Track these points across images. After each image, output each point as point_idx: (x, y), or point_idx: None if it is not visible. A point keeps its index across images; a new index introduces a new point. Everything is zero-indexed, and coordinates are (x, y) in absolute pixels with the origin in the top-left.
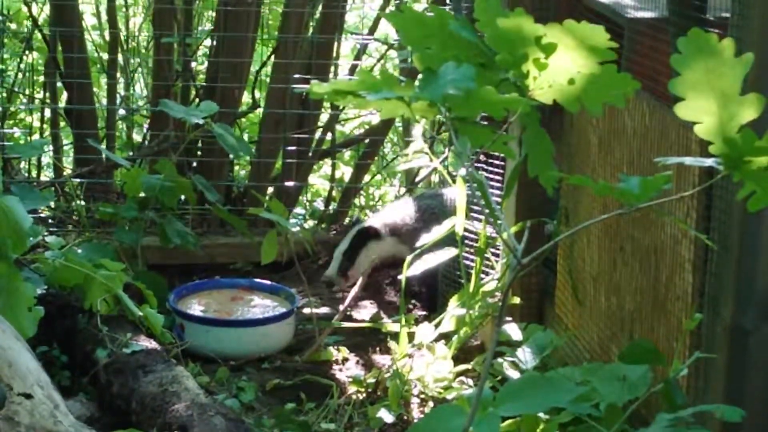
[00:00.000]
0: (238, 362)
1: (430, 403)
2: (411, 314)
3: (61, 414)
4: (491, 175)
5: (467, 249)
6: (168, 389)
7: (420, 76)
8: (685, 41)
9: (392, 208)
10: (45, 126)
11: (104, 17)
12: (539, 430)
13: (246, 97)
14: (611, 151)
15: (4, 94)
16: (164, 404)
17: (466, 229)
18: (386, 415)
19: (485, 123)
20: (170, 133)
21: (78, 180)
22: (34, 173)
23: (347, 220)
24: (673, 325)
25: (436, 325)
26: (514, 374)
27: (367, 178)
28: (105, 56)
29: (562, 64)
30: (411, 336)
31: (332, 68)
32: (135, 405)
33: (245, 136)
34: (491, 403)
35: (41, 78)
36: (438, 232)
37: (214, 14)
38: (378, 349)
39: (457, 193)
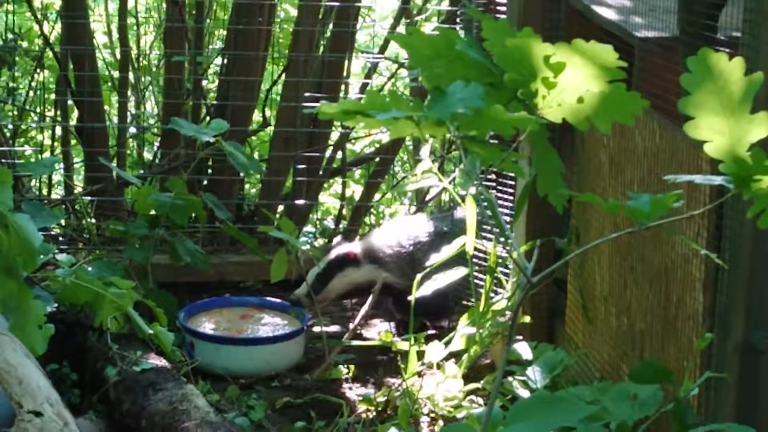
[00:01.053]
0: (248, 380)
1: (440, 422)
2: (421, 333)
3: None
4: (501, 194)
5: (477, 268)
6: (178, 407)
7: (429, 95)
8: (695, 61)
9: (378, 233)
10: (56, 144)
11: (115, 36)
12: None
13: (256, 116)
14: (622, 170)
15: (16, 112)
16: (174, 422)
17: (476, 248)
18: None
19: (495, 142)
20: (181, 151)
21: (89, 198)
22: (44, 191)
23: (357, 237)
24: (684, 344)
25: (446, 344)
26: (524, 393)
27: (377, 196)
28: (116, 74)
29: (572, 83)
30: (421, 354)
31: (343, 87)
32: (145, 423)
33: (256, 155)
34: (501, 422)
35: (52, 96)
36: (448, 251)
37: (224, 33)
38: (388, 367)
39: (467, 212)
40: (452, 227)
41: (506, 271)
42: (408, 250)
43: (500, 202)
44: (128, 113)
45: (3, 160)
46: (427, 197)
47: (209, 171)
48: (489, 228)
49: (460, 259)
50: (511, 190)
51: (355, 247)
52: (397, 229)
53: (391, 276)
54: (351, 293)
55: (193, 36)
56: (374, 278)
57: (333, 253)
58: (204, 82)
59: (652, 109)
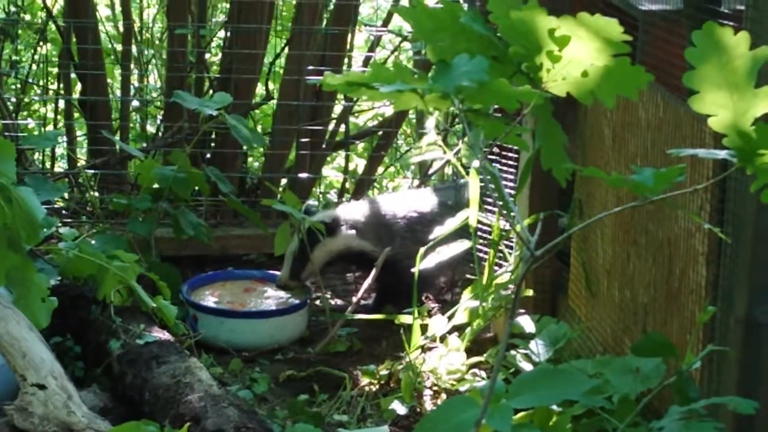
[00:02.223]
0: (251, 354)
1: (443, 395)
2: (424, 306)
3: (75, 405)
4: (505, 168)
5: (481, 241)
6: (181, 380)
7: (433, 68)
8: (699, 34)
9: (357, 203)
10: (59, 117)
11: (118, 8)
12: (552, 422)
13: (260, 89)
14: (625, 144)
15: (19, 85)
16: (177, 395)
17: (480, 222)
18: (399, 407)
19: (498, 115)
20: (184, 125)
21: (92, 171)
22: (48, 164)
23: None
24: (687, 317)
25: (449, 318)
26: (527, 366)
27: (380, 170)
28: (119, 47)
29: (576, 56)
30: (424, 328)
31: (346, 60)
32: (148, 396)
33: (259, 128)
34: (504, 395)
35: (55, 69)
36: (451, 225)
37: (227, 5)
38: (391, 341)
39: (471, 185)
40: (457, 200)
41: (510, 244)
42: (388, 221)
43: (503, 175)
44: (131, 86)
45: (6, 134)
46: (431, 170)
47: (212, 144)
48: (492, 201)
49: (463, 232)
50: (514, 164)
51: (328, 216)
52: (381, 200)
53: (369, 245)
54: (335, 263)
55: (196, 9)
56: (354, 246)
57: (305, 226)
58: (207, 55)
59: (656, 82)
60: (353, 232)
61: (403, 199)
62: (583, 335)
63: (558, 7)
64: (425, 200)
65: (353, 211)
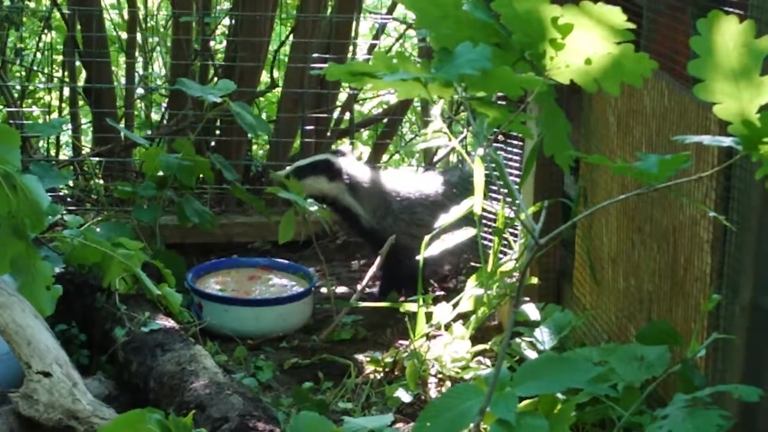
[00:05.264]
0: (255, 341)
1: (448, 383)
2: (429, 294)
3: (80, 392)
4: (510, 155)
5: (485, 229)
6: (186, 368)
7: (436, 56)
8: (705, 23)
9: (365, 168)
10: (64, 105)
11: None
12: (557, 410)
13: (264, 77)
14: (630, 131)
15: (23, 73)
16: (182, 383)
17: (484, 209)
18: (403, 395)
19: (503, 103)
20: (188, 112)
21: (96, 159)
22: (52, 152)
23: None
24: (692, 305)
25: (454, 305)
26: (531, 354)
27: (385, 157)
28: (124, 35)
29: (579, 44)
30: (429, 316)
31: (351, 48)
32: (153, 383)
33: (263, 116)
34: (509, 383)
35: (60, 57)
36: (456, 212)
37: None
38: (396, 328)
39: (475, 173)
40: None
41: (515, 232)
42: (387, 196)
43: (508, 163)
44: (136, 74)
45: (11, 121)
46: (436, 158)
47: (217, 132)
48: (497, 189)
49: (468, 220)
50: (519, 151)
51: (335, 159)
52: (389, 175)
53: (358, 206)
54: (319, 199)
55: None
56: (342, 201)
57: (325, 156)
58: (212, 43)
59: (661, 69)
60: (346, 187)
61: (408, 180)
62: (587, 323)
63: None
64: (429, 183)
65: (360, 171)
